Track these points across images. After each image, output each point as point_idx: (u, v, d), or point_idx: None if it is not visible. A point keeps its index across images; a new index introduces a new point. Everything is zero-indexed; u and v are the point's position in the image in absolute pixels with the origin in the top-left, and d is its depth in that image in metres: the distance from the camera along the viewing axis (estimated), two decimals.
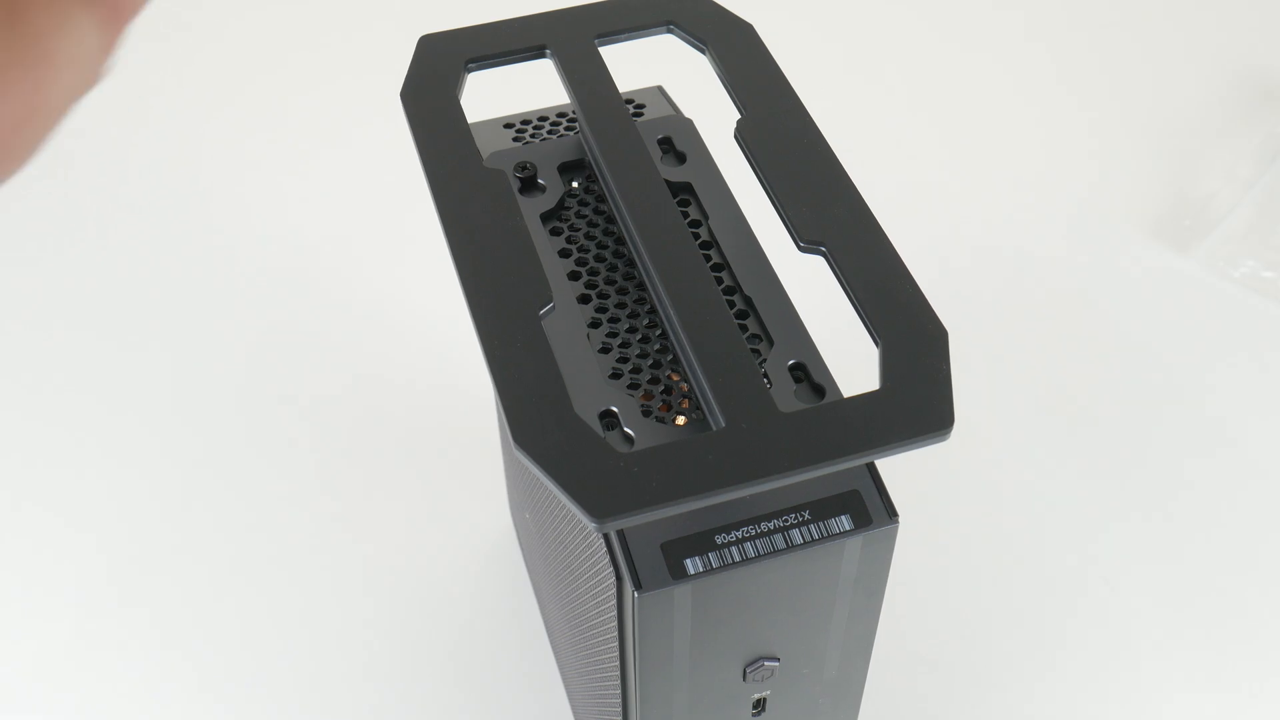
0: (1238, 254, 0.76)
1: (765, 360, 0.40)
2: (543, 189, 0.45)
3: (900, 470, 0.51)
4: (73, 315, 0.75)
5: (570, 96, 0.44)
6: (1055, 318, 0.74)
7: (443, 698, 0.59)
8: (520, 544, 0.63)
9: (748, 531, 0.38)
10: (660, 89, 0.50)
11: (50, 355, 0.73)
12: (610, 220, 0.45)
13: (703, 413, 0.39)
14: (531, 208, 0.45)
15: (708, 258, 0.43)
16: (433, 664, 0.60)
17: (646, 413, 0.39)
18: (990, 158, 0.83)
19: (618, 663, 0.41)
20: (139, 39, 1.04)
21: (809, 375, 0.39)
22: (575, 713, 0.57)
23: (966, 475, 0.66)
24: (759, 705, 0.44)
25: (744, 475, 0.33)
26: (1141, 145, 0.84)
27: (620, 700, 0.43)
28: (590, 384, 0.39)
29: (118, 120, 0.87)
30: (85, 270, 0.77)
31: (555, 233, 0.44)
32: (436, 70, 0.44)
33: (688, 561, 0.37)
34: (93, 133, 0.86)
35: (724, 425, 0.35)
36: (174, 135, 0.86)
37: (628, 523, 0.33)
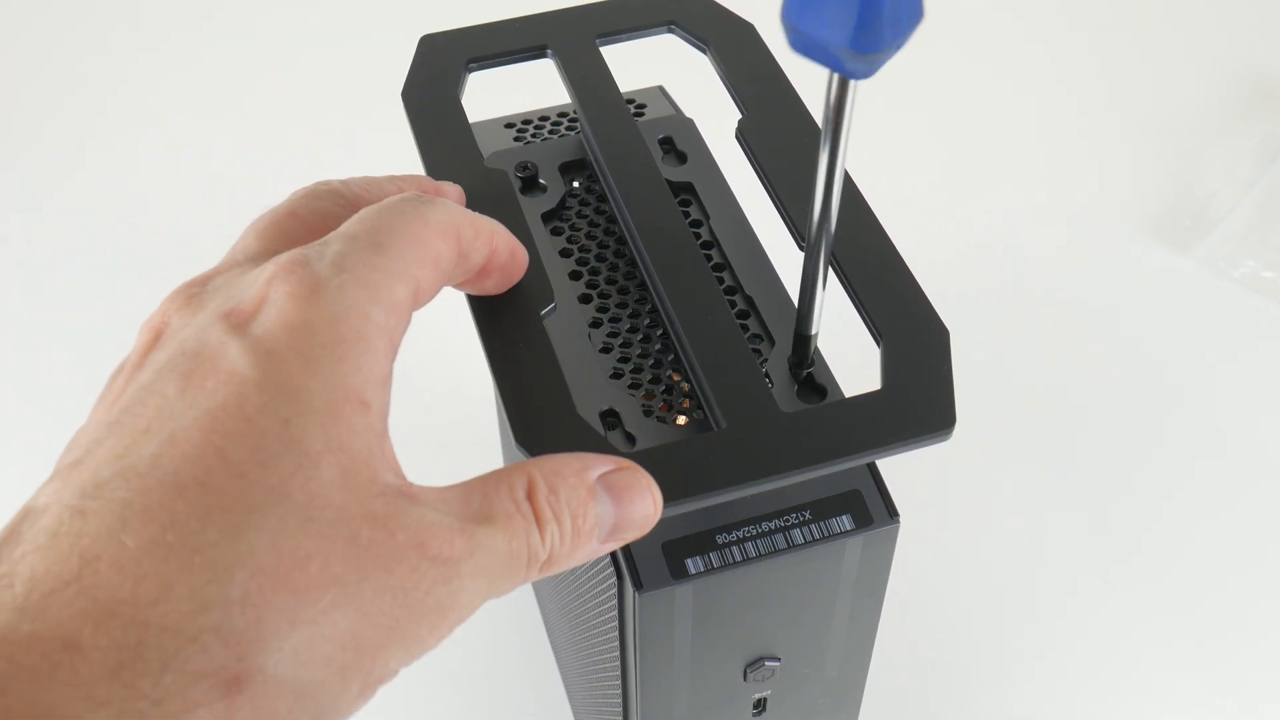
0: (1238, 254, 0.76)
1: (766, 360, 0.40)
2: (544, 189, 0.45)
3: (901, 470, 0.50)
4: (76, 315, 0.75)
5: (571, 96, 0.44)
6: (1055, 317, 0.74)
7: (443, 698, 0.59)
8: None
9: (748, 531, 0.38)
10: (661, 89, 0.50)
11: (54, 355, 0.73)
12: (611, 220, 0.45)
13: (704, 412, 0.39)
14: (532, 207, 0.44)
15: (709, 257, 0.43)
16: (433, 664, 0.60)
17: (648, 412, 0.39)
18: (990, 157, 0.83)
19: (618, 663, 0.41)
20: (139, 40, 1.04)
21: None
22: (575, 713, 0.57)
23: (967, 475, 0.66)
24: (759, 705, 0.44)
25: (745, 475, 0.33)
26: (1141, 145, 0.84)
27: (620, 700, 0.43)
28: (592, 384, 0.39)
29: (120, 120, 0.87)
30: (87, 271, 0.77)
31: (556, 232, 0.44)
32: (437, 70, 0.44)
33: (688, 561, 0.37)
34: (95, 133, 0.86)
35: (725, 425, 0.35)
36: (175, 135, 0.86)
37: None
